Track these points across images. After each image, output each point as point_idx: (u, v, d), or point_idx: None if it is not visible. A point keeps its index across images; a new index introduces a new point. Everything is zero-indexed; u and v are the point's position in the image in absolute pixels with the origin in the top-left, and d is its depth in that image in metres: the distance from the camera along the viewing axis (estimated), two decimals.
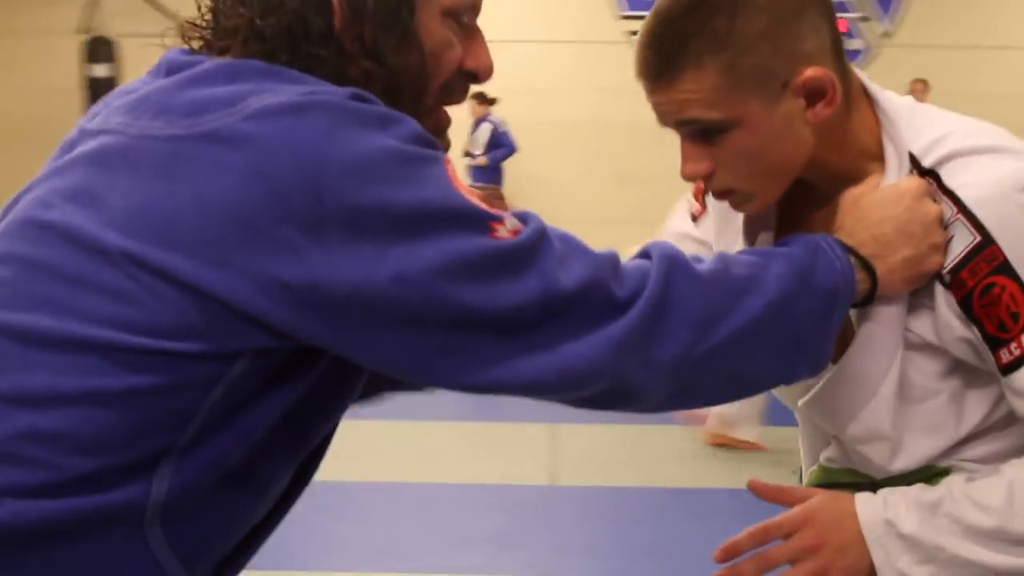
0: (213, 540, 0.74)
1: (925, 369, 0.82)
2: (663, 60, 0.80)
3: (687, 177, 0.85)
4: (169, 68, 0.74)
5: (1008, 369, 0.77)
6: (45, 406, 0.66)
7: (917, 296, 0.81)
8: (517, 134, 7.50)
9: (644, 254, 0.75)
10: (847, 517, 0.82)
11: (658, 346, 0.71)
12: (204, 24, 0.75)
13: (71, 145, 0.75)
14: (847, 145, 0.85)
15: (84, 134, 0.74)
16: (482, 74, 0.80)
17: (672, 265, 0.72)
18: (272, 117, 0.66)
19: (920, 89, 6.94)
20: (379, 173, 0.66)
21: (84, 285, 0.67)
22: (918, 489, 0.82)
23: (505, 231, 0.68)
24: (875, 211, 0.80)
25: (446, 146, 0.80)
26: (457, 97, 0.81)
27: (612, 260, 0.72)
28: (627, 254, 0.79)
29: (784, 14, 0.80)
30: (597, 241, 0.75)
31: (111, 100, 0.76)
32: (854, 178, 0.84)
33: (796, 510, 0.84)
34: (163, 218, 0.66)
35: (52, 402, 0.66)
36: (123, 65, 7.24)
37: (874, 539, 0.81)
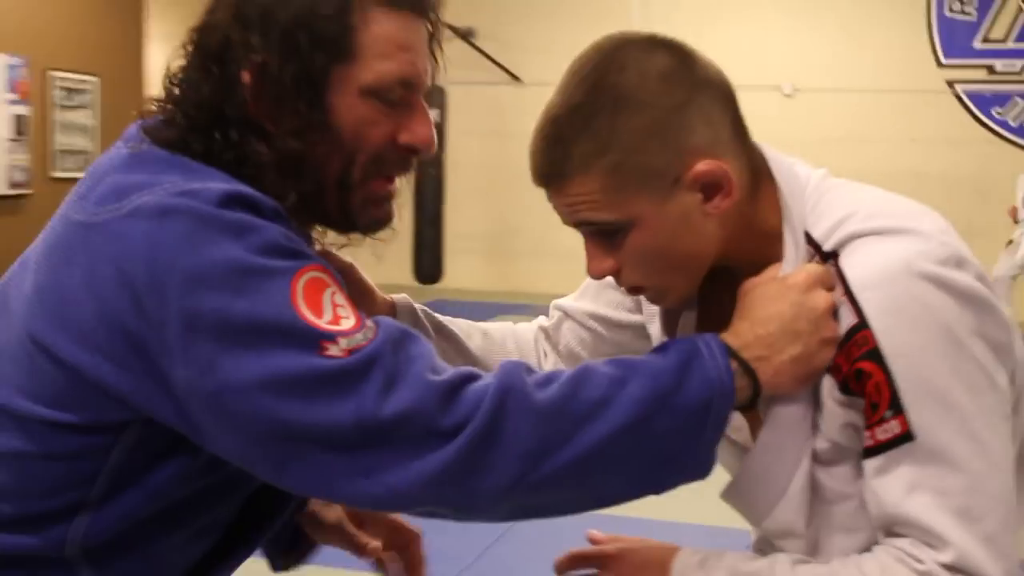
0: (147, 568, 0.82)
1: (835, 472, 0.80)
2: (551, 165, 0.80)
3: (593, 276, 0.85)
4: (124, 139, 0.82)
5: (870, 452, 0.75)
6: None
7: (819, 392, 0.79)
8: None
9: (493, 376, 0.73)
10: (656, 566, 0.84)
11: (479, 478, 0.70)
12: (159, 100, 0.82)
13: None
14: (756, 230, 0.83)
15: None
16: (421, 147, 0.83)
17: (507, 395, 0.71)
18: (141, 218, 0.71)
19: None
20: (219, 282, 0.69)
21: (13, 360, 0.77)
22: (742, 557, 0.83)
23: (338, 350, 0.69)
24: (760, 308, 0.78)
25: (386, 217, 0.86)
26: (396, 170, 0.85)
27: (447, 387, 0.71)
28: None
29: (670, 108, 0.78)
30: None
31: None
32: (769, 260, 0.82)
33: (612, 547, 0.89)
34: (56, 301, 0.74)
35: None
36: (448, 109, 7.50)
37: None
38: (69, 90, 7.14)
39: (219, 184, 0.74)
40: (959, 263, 0.74)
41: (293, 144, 0.77)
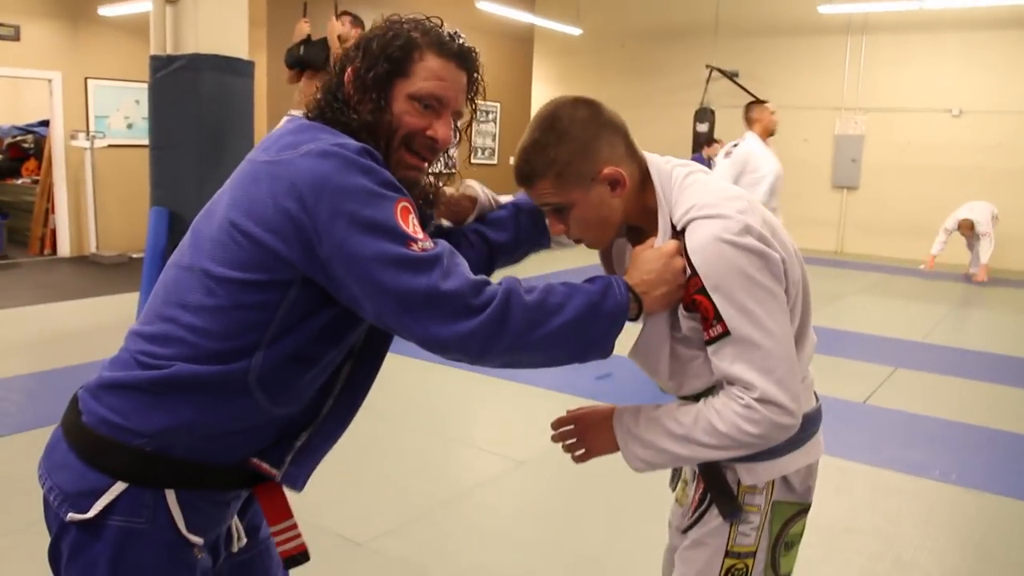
0: (291, 393, 1.25)
1: (685, 348, 1.38)
2: (524, 175, 1.36)
3: (554, 235, 1.47)
4: (287, 121, 1.28)
5: (708, 343, 1.30)
6: (198, 312, 1.18)
7: (675, 310, 1.34)
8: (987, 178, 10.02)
9: (500, 283, 1.18)
10: (603, 420, 1.43)
11: (492, 341, 1.15)
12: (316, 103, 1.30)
13: None
14: (644, 208, 1.39)
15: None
16: (438, 140, 1.30)
17: (510, 294, 1.16)
18: (310, 157, 1.15)
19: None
20: (355, 196, 1.13)
21: (219, 242, 1.19)
22: (650, 407, 1.38)
23: (418, 247, 1.13)
24: (645, 264, 1.30)
25: (412, 182, 1.31)
26: (421, 153, 1.31)
27: (478, 283, 1.17)
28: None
29: (587, 140, 1.32)
30: None
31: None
32: (653, 229, 1.37)
33: (574, 414, 1.48)
34: (250, 202, 1.17)
35: (202, 311, 1.18)
36: (716, 125, 11.39)
37: (619, 432, 1.40)
38: (484, 111, 12.04)
39: (354, 142, 1.18)
40: (747, 231, 1.26)
41: (367, 117, 1.25)
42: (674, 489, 1.68)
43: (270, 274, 1.16)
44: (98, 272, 8.24)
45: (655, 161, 1.41)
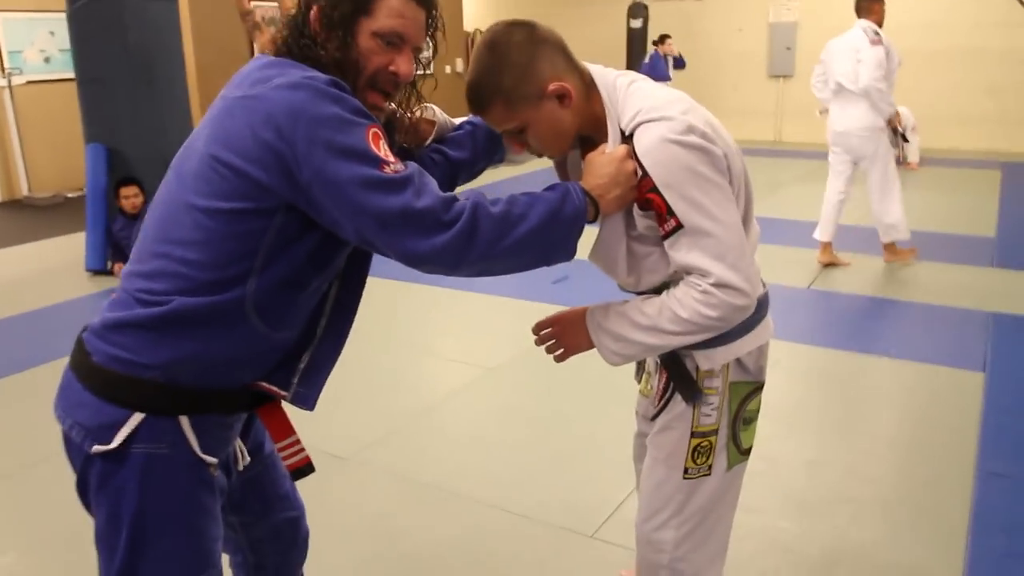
0: (287, 316, 1.35)
1: (641, 245, 1.50)
2: (475, 104, 1.45)
3: (515, 155, 1.64)
4: (256, 62, 1.33)
5: (664, 238, 1.42)
6: (189, 246, 1.25)
7: (630, 210, 1.45)
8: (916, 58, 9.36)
9: (466, 199, 1.27)
10: (578, 319, 1.56)
11: (464, 251, 1.25)
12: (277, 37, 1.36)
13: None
14: (593, 118, 1.48)
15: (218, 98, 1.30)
16: (401, 75, 1.37)
17: (478, 208, 1.26)
18: (282, 89, 1.22)
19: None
20: (329, 124, 1.20)
21: (202, 176, 1.26)
22: (618, 303, 1.51)
23: (390, 169, 1.21)
24: (598, 169, 1.41)
25: (382, 115, 1.40)
26: (385, 88, 1.38)
27: (448, 199, 1.25)
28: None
29: (527, 62, 1.40)
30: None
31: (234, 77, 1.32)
32: (602, 137, 1.46)
33: (552, 317, 1.60)
34: (228, 135, 1.23)
35: (193, 244, 1.25)
36: (650, 19, 11.29)
37: (591, 328, 1.54)
38: None
39: (323, 75, 1.25)
40: (690, 131, 1.37)
41: (335, 54, 1.31)
42: (639, 382, 1.81)
43: (255, 203, 1.23)
44: (34, 215, 8.02)
45: (598, 72, 1.50)
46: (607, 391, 3.39)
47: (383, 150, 1.24)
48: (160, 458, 1.31)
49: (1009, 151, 9.81)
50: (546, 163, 1.68)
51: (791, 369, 3.85)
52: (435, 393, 3.77)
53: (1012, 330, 4.27)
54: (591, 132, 1.51)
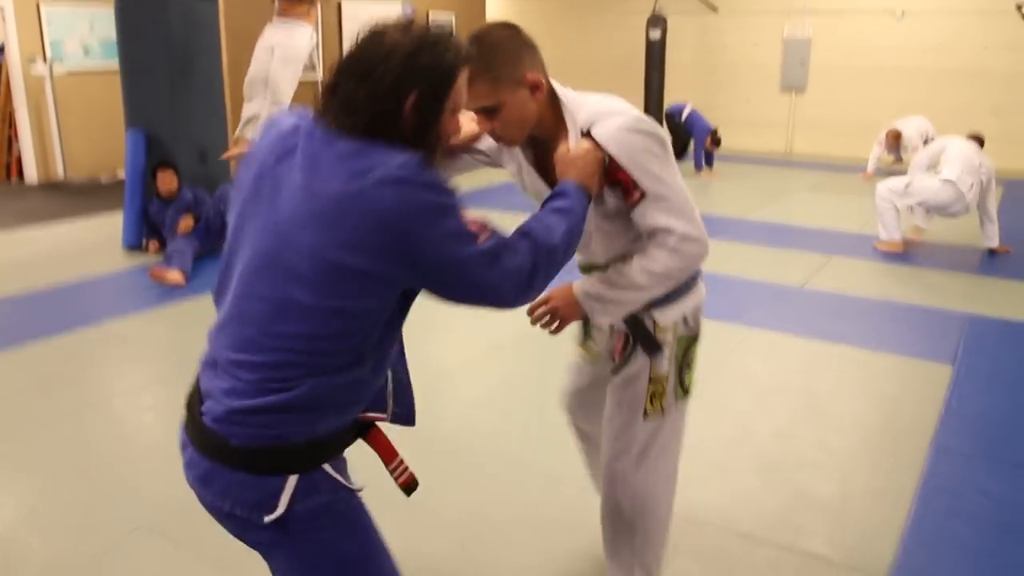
0: (387, 362, 1.49)
1: (607, 221, 1.84)
2: (470, 79, 1.49)
3: (482, 131, 1.82)
4: (318, 137, 1.35)
5: (631, 207, 1.76)
6: (315, 340, 1.34)
7: (601, 193, 1.77)
8: (925, 79, 10.39)
9: (520, 237, 1.47)
10: (568, 293, 1.89)
11: (537, 287, 1.49)
12: (332, 107, 1.36)
13: (267, 178, 1.38)
14: (548, 119, 1.78)
15: (275, 176, 1.38)
16: (462, 134, 1.71)
17: (535, 245, 1.47)
18: (385, 184, 1.28)
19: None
20: (434, 214, 1.32)
21: (327, 282, 1.32)
22: (600, 273, 1.87)
23: (482, 239, 1.37)
24: (576, 162, 1.68)
25: (449, 168, 1.72)
26: (451, 147, 1.72)
27: (513, 249, 1.43)
28: None
29: (514, 51, 1.68)
30: None
31: (272, 141, 1.42)
32: (557, 137, 1.78)
33: (545, 295, 1.86)
34: (346, 242, 1.29)
35: (318, 338, 1.34)
36: (668, 31, 11.61)
37: (580, 298, 1.87)
38: (439, 25, 11.95)
39: (412, 157, 1.32)
40: (640, 121, 1.72)
41: (418, 134, 1.37)
42: (583, 346, 2.25)
43: (380, 296, 1.35)
44: (69, 196, 8.38)
45: (556, 84, 1.80)
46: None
47: (468, 223, 1.37)
48: (324, 506, 1.42)
49: (1012, 169, 10.01)
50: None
51: (776, 355, 4.15)
52: (446, 362, 4.09)
53: (985, 330, 4.55)
54: (541, 133, 1.80)
